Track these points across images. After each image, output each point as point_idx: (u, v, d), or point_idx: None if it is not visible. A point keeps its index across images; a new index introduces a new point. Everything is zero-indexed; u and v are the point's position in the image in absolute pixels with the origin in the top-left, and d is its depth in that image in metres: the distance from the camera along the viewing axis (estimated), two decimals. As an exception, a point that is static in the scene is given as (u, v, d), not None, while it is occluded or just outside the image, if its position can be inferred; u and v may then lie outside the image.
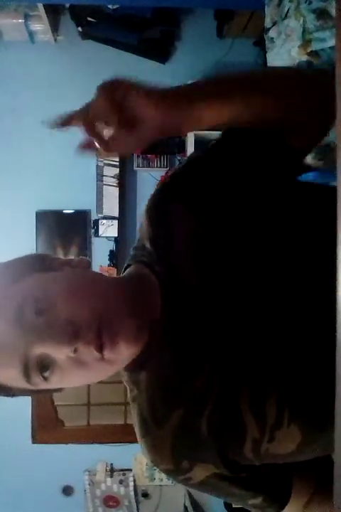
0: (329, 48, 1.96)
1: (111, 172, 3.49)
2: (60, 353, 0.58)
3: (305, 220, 0.67)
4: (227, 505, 3.30)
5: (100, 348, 0.58)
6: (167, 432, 0.66)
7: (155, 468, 0.77)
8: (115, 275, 3.19)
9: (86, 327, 0.58)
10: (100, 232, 3.51)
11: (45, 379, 0.59)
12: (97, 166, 3.48)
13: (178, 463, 0.67)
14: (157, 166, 3.56)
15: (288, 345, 0.62)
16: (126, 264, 0.74)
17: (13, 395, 0.64)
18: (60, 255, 3.19)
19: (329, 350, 0.57)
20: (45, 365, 0.59)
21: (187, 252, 0.67)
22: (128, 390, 0.72)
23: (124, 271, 0.74)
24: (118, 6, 3.12)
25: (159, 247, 0.69)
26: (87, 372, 0.60)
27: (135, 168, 3.59)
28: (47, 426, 3.68)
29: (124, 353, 0.61)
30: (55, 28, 3.50)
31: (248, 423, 0.62)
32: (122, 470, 3.73)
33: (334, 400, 0.34)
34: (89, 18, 3.34)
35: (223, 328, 0.63)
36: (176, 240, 0.68)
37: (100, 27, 3.40)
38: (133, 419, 0.71)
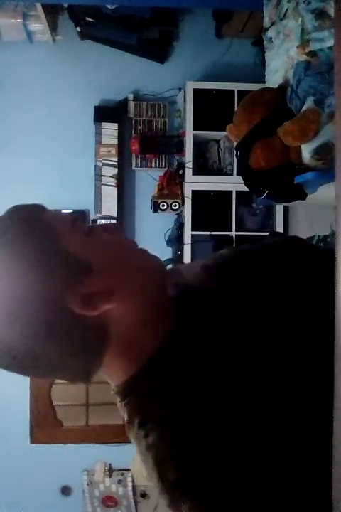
0: (328, 48, 1.96)
1: (110, 172, 3.48)
2: None
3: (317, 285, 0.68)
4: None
5: None
6: None
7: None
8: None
9: None
10: (99, 232, 3.51)
11: None
12: (96, 165, 3.48)
13: None
14: (155, 166, 3.56)
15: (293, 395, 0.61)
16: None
17: None
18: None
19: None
20: None
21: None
22: (136, 444, 0.67)
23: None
24: (117, 5, 3.12)
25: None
26: None
27: (133, 168, 3.59)
28: (46, 426, 3.68)
29: None
30: (53, 27, 3.50)
31: None
32: (121, 470, 3.73)
33: (334, 399, 0.34)
34: (88, 18, 3.34)
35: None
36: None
37: (99, 27, 3.40)
38: (147, 466, 0.66)
